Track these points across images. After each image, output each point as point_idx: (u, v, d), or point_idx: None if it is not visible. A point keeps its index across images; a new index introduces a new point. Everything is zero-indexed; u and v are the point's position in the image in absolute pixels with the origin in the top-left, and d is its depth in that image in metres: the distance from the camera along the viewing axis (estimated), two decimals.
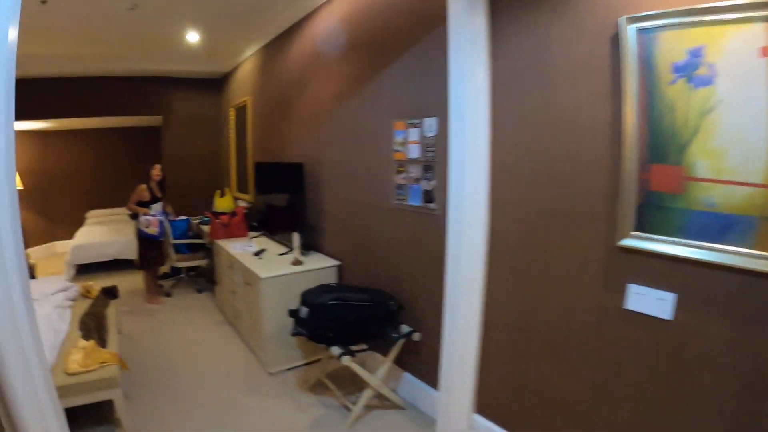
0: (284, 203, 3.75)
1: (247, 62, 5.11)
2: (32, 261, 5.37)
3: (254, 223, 4.45)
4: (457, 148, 2.02)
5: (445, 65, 2.04)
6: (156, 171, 4.62)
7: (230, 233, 4.18)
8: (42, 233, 7.14)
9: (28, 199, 6.77)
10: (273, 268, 3.04)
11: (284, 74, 4.01)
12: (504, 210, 1.98)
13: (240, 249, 3.62)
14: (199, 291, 5.01)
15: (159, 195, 4.63)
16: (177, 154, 6.17)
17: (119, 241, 5.85)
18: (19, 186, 6.31)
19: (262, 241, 3.94)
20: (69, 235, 6.64)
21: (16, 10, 1.27)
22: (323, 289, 2.51)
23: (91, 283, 3.74)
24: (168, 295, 4.92)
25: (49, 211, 7.19)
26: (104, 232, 6.32)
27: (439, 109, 2.20)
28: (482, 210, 2.04)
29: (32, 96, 5.45)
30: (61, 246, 7.05)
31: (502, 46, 1.91)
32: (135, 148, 7.30)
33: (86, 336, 2.74)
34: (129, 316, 4.33)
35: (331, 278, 3.17)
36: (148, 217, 4.47)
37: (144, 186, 4.53)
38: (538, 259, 1.86)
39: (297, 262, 3.11)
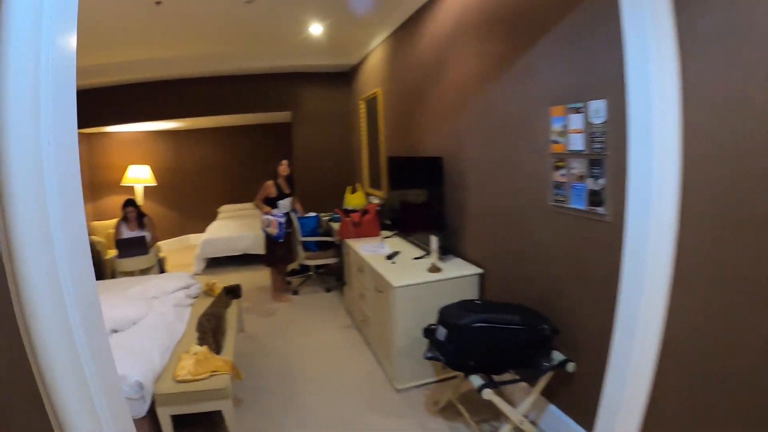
0: (420, 201, 3.55)
1: (375, 52, 5.01)
2: (162, 254, 5.80)
3: (387, 222, 4.32)
4: (639, 139, 1.60)
5: (613, 33, 1.66)
6: (283, 167, 4.68)
7: (361, 232, 4.08)
8: (175, 227, 7.86)
9: (161, 194, 7.52)
10: (407, 275, 2.84)
11: (416, 61, 3.80)
12: (696, 220, 1.53)
13: (371, 250, 3.49)
14: (328, 290, 5.03)
15: (287, 191, 4.70)
16: (307, 149, 6.31)
17: (249, 236, 6.10)
18: (153, 182, 7.02)
19: (395, 242, 3.78)
20: (202, 229, 7.18)
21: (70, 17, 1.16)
22: (465, 307, 2.21)
23: (214, 281, 3.83)
24: (295, 293, 5.00)
25: (183, 206, 7.86)
26: (234, 227, 6.68)
27: (609, 88, 1.80)
28: (670, 219, 1.59)
29: (163, 97, 5.95)
30: (194, 239, 7.65)
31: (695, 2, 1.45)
32: (266, 144, 7.72)
33: (202, 339, 2.75)
34: (252, 314, 4.44)
35: (471, 289, 2.89)
36: (269, 217, 4.55)
37: (271, 182, 4.62)
38: (743, 288, 1.37)
39: (434, 269, 2.87)
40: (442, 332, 2.14)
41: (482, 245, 2.93)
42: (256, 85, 6.02)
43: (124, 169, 6.95)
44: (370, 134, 5.35)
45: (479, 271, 2.89)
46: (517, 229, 2.52)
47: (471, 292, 2.89)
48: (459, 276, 2.86)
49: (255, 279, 5.56)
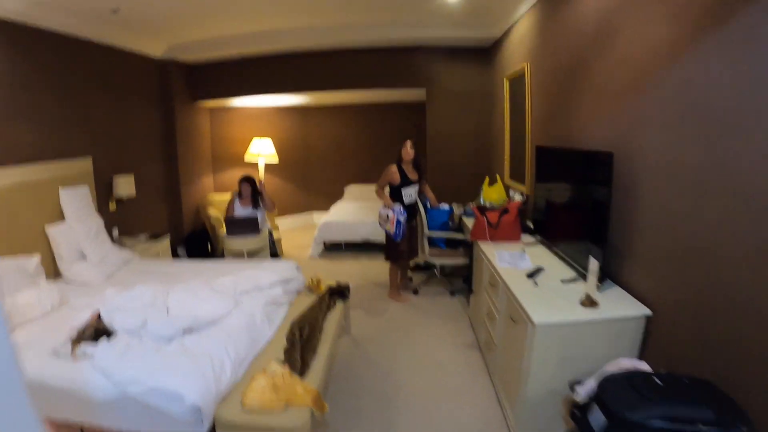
0: (574, 203, 2.87)
1: (521, 22, 4.30)
2: (278, 234, 5.71)
3: (529, 223, 3.70)
4: None
5: None
6: (406, 149, 4.22)
7: (498, 235, 3.45)
8: (300, 203, 7.97)
9: (285, 170, 7.64)
10: (553, 307, 2.20)
11: (575, 28, 3.06)
12: None
13: (508, 262, 2.88)
14: (452, 294, 4.56)
15: (413, 177, 4.26)
16: (441, 132, 5.79)
17: (371, 222, 5.75)
18: (275, 159, 7.00)
19: (537, 253, 3.12)
20: (327, 207, 7.27)
21: None
22: (638, 386, 1.53)
23: (320, 277, 3.51)
24: (415, 292, 4.61)
25: (308, 183, 7.95)
26: (356, 210, 6.43)
27: None
28: None
29: (289, 71, 5.81)
30: (318, 217, 7.68)
31: None
32: (397, 124, 7.41)
33: (288, 353, 2.41)
34: (362, 311, 4.12)
35: (632, 336, 2.17)
36: (387, 212, 4.12)
37: (395, 167, 4.21)
38: None
39: (589, 302, 2.18)
40: (599, 419, 1.52)
41: (654, 276, 2.17)
42: (386, 58, 5.63)
43: (247, 143, 7.03)
44: (514, 118, 4.63)
45: (646, 312, 2.14)
46: (714, 267, 1.74)
47: (631, 342, 2.18)
48: (620, 317, 2.13)
49: (373, 271, 5.28)
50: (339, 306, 3.21)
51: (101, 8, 3.94)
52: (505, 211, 3.57)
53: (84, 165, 4.33)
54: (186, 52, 5.60)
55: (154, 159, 5.65)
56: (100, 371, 2.18)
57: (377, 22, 4.99)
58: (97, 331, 2.52)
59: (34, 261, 3.38)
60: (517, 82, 4.45)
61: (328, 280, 3.61)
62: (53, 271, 3.76)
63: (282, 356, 2.42)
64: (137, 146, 5.28)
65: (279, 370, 2.20)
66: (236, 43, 5.40)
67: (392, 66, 5.68)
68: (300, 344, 2.50)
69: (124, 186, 4.78)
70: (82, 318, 2.75)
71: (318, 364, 2.45)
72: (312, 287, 3.40)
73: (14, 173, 3.55)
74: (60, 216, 3.88)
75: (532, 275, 2.63)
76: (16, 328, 2.90)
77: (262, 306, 2.88)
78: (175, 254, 5.72)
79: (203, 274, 3.53)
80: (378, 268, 5.29)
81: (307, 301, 3.14)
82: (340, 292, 3.36)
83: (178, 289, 2.98)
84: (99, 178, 4.55)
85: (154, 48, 5.39)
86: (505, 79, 4.84)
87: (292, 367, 2.28)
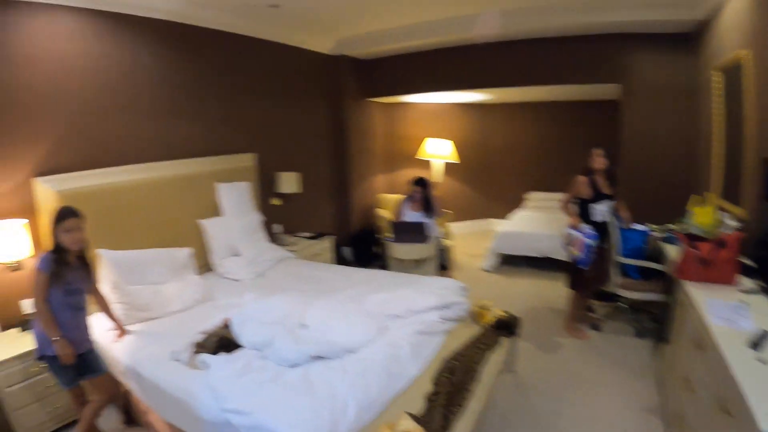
0: None
1: None
2: (449, 242, 5.27)
3: (747, 261, 2.74)
4: None
5: None
6: (597, 158, 3.59)
7: (709, 275, 2.62)
8: (476, 209, 7.48)
9: (464, 172, 7.21)
10: None
11: None
12: None
13: (723, 318, 2.10)
14: (639, 335, 3.82)
15: (606, 191, 3.62)
16: (638, 137, 4.79)
17: (552, 235, 5.05)
18: (455, 159, 6.62)
19: (762, 306, 2.27)
20: (504, 214, 6.70)
21: None
22: None
23: (488, 303, 3.02)
24: (595, 327, 3.95)
25: (486, 187, 7.42)
26: (538, 221, 5.79)
27: None
28: None
29: (468, 64, 5.35)
30: (495, 225, 7.07)
31: None
32: (586, 126, 6.52)
33: (431, 402, 2.02)
34: (531, 344, 3.62)
35: None
36: (574, 233, 3.54)
37: (584, 179, 3.61)
38: None
39: None
40: None
41: None
42: (575, 49, 4.87)
43: (422, 142, 6.75)
44: (730, 120, 3.63)
45: None
46: None
47: None
48: None
49: (551, 293, 4.69)
50: (505, 343, 2.75)
51: (260, 4, 3.92)
52: (720, 243, 2.70)
53: (246, 161, 4.42)
54: (355, 47, 5.49)
55: (322, 156, 5.68)
56: (211, 389, 2.07)
57: (564, 4, 4.31)
58: (221, 341, 2.45)
59: (185, 253, 3.49)
60: (732, 73, 3.50)
61: (499, 303, 3.14)
62: (205, 265, 3.86)
63: (419, 407, 2.03)
64: (304, 143, 5.33)
65: (412, 427, 1.83)
66: (407, 35, 5.11)
67: (581, 58, 4.90)
68: (445, 396, 2.11)
69: (288, 183, 4.81)
70: (212, 322, 2.74)
71: (463, 425, 2.04)
72: (476, 316, 2.96)
73: (174, 166, 3.73)
74: (217, 210, 3.99)
75: (757, 344, 1.88)
76: (155, 319, 3.02)
77: (411, 335, 2.51)
78: (339, 254, 5.62)
79: (355, 286, 3.33)
80: (557, 290, 4.62)
81: (467, 333, 2.72)
82: (508, 327, 2.88)
83: (319, 305, 2.78)
84: (263, 175, 4.64)
85: (322, 43, 5.38)
86: (713, 72, 3.90)
87: (428, 429, 1.88)
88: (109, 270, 3.04)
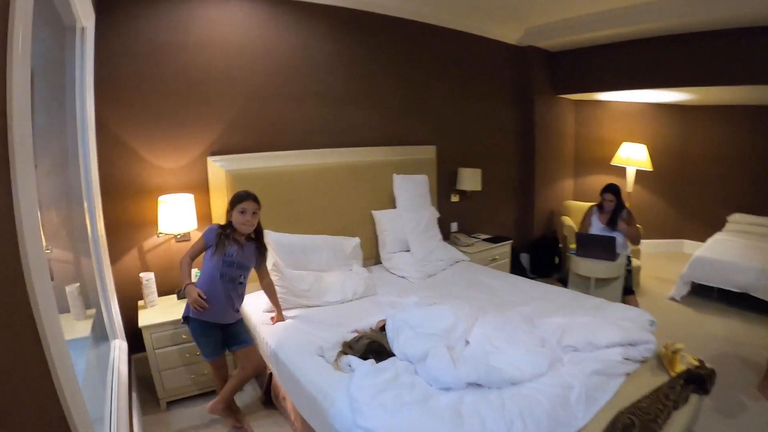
0: None
1: None
2: (637, 263, 4.66)
3: None
4: None
5: None
6: None
7: None
8: (669, 226, 6.45)
9: (657, 182, 6.22)
10: None
11: None
12: None
13: None
14: None
15: None
16: None
17: (759, 269, 4.18)
18: (648, 167, 5.68)
19: None
20: (702, 237, 5.61)
21: None
22: None
23: (680, 346, 2.39)
24: None
25: (681, 202, 6.36)
26: (742, 249, 4.79)
27: None
28: None
29: (673, 57, 4.59)
30: (689, 248, 6.08)
31: None
32: None
33: None
34: (709, 403, 2.82)
35: None
36: None
37: None
38: None
39: None
40: None
41: None
42: None
43: (616, 145, 5.87)
44: None
45: None
46: None
47: None
48: None
49: (746, 338, 3.81)
50: (692, 401, 2.21)
51: None
52: None
53: (425, 153, 4.28)
54: (545, 37, 5.03)
55: (505, 154, 5.35)
56: (349, 398, 1.92)
57: None
58: (372, 346, 2.30)
59: (352, 243, 3.45)
60: None
61: (684, 342, 2.47)
62: (373, 257, 3.81)
63: None
64: (487, 138, 5.07)
65: None
66: (604, 22, 4.47)
67: None
68: None
69: (469, 179, 4.55)
70: (368, 321, 2.64)
71: None
72: (664, 360, 2.41)
73: (347, 154, 3.71)
74: (391, 202, 3.91)
75: None
76: (311, 307, 3.01)
77: (586, 375, 2.08)
78: (515, 261, 5.24)
79: (530, 302, 2.97)
80: (755, 337, 3.81)
81: (650, 380, 2.23)
82: (699, 381, 2.31)
83: (487, 321, 2.50)
84: (442, 169, 4.48)
85: (509, 33, 5.03)
86: None
87: None
88: (272, 251, 3.08)
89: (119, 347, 2.76)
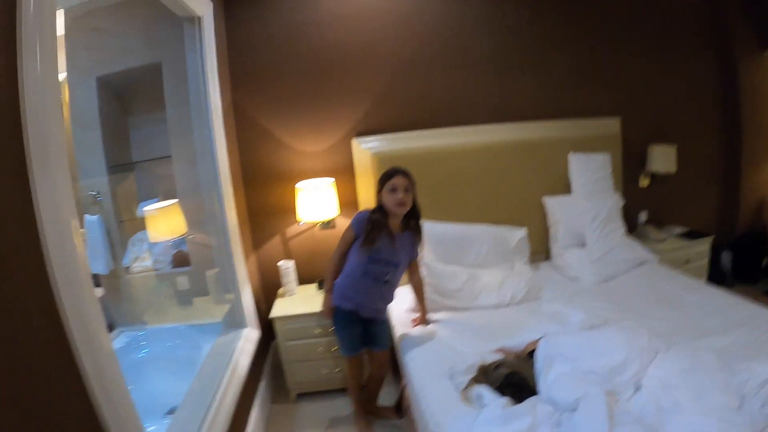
0: None
1: None
2: None
3: None
4: None
5: None
6: None
7: None
8: None
9: None
10: None
11: None
12: None
13: None
14: None
15: None
16: None
17: None
18: None
19: None
20: None
21: None
22: None
23: None
24: None
25: None
26: None
27: None
28: None
29: None
30: None
31: None
32: None
33: None
34: None
35: None
36: None
37: None
38: None
39: None
40: None
41: None
42: None
43: None
44: None
45: None
46: None
47: None
48: None
49: None
50: None
51: None
52: None
53: (607, 127, 3.48)
54: None
55: (704, 128, 4.21)
56: None
57: None
58: (513, 378, 1.77)
59: (518, 235, 2.95)
60: None
61: None
62: (540, 252, 3.23)
63: None
64: (681, 109, 4.02)
65: None
66: None
67: None
68: None
69: (661, 159, 3.65)
70: (517, 340, 2.12)
71: None
72: None
73: (512, 130, 3.16)
74: (565, 187, 3.25)
75: None
76: (459, 310, 2.60)
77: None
78: (715, 260, 4.17)
79: (734, 330, 2.12)
80: None
81: None
82: None
83: (671, 362, 1.77)
84: (628, 146, 3.62)
85: None
86: None
87: None
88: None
89: (246, 336, 2.75)
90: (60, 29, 2.99)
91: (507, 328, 2.34)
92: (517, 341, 2.13)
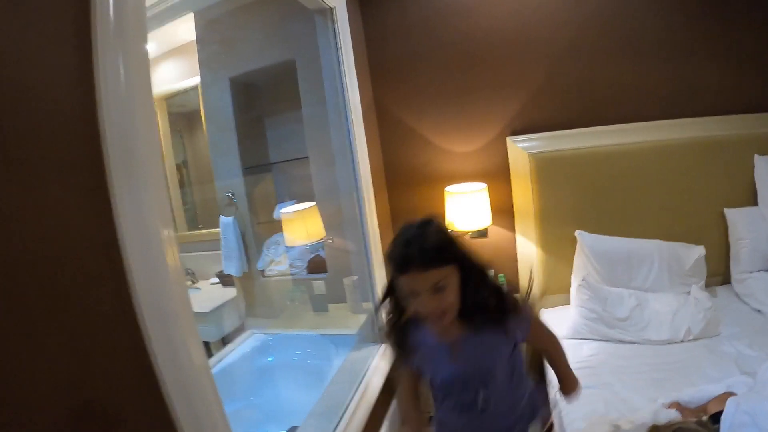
0: None
1: None
2: None
3: None
4: None
5: None
6: None
7: None
8: None
9: None
10: None
11: None
12: None
13: None
14: None
15: None
16: None
17: None
18: None
19: None
20: None
21: None
22: None
23: None
24: None
25: None
26: None
27: None
28: None
29: None
30: None
31: None
32: None
33: None
34: None
35: None
36: None
37: None
38: None
39: None
40: None
41: None
42: None
43: None
44: None
45: None
46: None
47: None
48: None
49: None
50: None
51: None
52: None
53: None
54: None
55: None
56: None
57: None
58: None
59: (695, 254, 2.54)
60: None
61: None
62: (719, 274, 2.78)
63: None
64: None
65: None
66: None
67: None
68: None
69: None
70: (696, 391, 1.75)
71: None
72: None
73: (691, 127, 2.72)
74: (751, 196, 2.75)
75: None
76: (622, 343, 2.26)
77: None
78: None
79: None
80: None
81: None
82: None
83: None
84: None
85: None
86: None
87: None
88: (585, 259, 2.44)
89: (382, 353, 2.56)
90: (191, 34, 3.03)
91: (682, 372, 2.01)
92: (696, 394, 1.78)
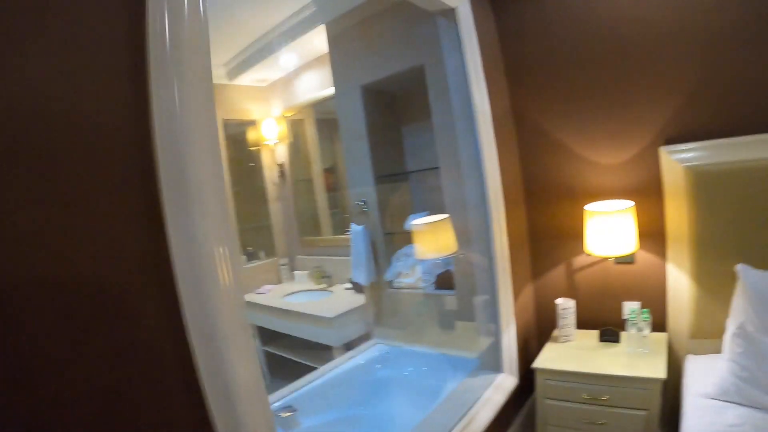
0: None
1: None
2: None
3: None
4: None
5: None
6: None
7: None
8: None
9: None
10: None
11: None
12: None
13: None
14: None
15: None
16: None
17: None
18: None
19: None
20: None
21: None
22: None
23: None
24: None
25: None
26: None
27: None
28: None
29: None
30: None
31: None
32: None
33: None
34: None
35: None
36: None
37: None
38: None
39: None
40: None
41: None
42: None
43: None
44: None
45: None
46: None
47: None
48: None
49: None
50: None
51: None
52: None
53: None
54: None
55: None
56: None
57: None
58: None
59: None
60: None
61: None
62: None
63: None
64: None
65: None
66: None
67: None
68: None
69: None
70: None
71: None
72: None
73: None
74: None
75: None
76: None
77: None
78: None
79: None
80: None
81: None
82: None
83: None
84: None
85: None
86: None
87: None
88: (745, 302, 1.90)
89: (499, 384, 2.38)
90: (324, 47, 3.13)
91: None
92: None
